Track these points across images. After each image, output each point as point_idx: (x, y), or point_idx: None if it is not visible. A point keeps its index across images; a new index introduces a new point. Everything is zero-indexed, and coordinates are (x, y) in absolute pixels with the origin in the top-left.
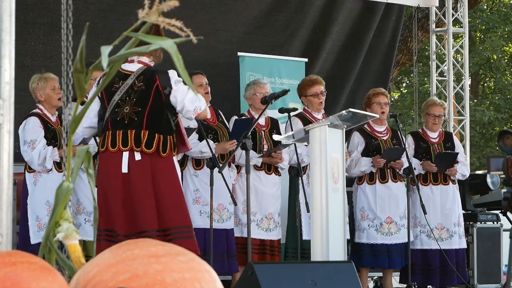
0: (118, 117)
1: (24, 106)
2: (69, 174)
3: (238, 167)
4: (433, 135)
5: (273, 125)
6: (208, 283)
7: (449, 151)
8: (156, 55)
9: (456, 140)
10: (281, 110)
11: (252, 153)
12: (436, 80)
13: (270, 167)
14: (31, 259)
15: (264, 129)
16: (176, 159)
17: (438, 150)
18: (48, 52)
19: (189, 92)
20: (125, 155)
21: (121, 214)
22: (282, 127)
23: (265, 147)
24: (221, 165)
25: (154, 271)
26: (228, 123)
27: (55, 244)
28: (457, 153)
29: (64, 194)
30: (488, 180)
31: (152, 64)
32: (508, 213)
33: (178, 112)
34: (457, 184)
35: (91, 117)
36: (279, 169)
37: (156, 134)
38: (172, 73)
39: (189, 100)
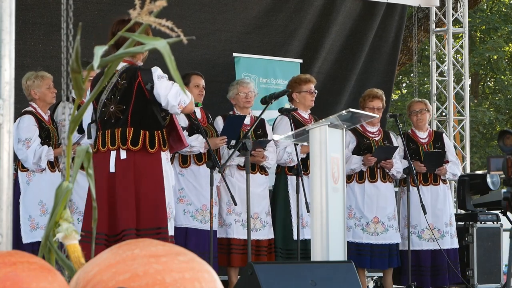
0: (105, 116)
1: (24, 106)
2: (69, 174)
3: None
4: (423, 135)
5: (259, 124)
6: (208, 283)
7: (437, 151)
8: (141, 53)
9: (446, 139)
10: (281, 110)
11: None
12: (436, 80)
13: (254, 167)
14: (31, 259)
15: (248, 128)
16: (166, 155)
17: (427, 150)
18: (48, 52)
19: (173, 87)
20: (113, 154)
21: (105, 214)
22: (269, 127)
23: None
24: (220, 165)
25: (154, 271)
26: (214, 123)
27: (55, 244)
28: (445, 152)
29: (64, 194)
30: (488, 180)
31: (138, 63)
32: (508, 213)
33: (164, 107)
34: (448, 184)
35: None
36: (266, 168)
37: (142, 131)
38: (154, 69)
39: (172, 95)
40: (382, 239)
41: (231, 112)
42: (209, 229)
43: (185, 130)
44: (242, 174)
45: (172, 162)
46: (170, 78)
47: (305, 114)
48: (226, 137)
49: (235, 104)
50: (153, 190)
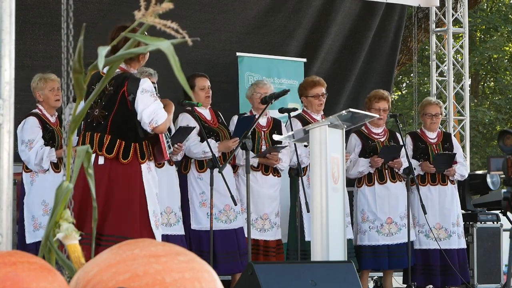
0: (89, 119)
1: (24, 106)
2: (69, 174)
3: (236, 167)
4: (432, 136)
5: (275, 126)
6: (208, 283)
7: (447, 152)
8: (137, 61)
9: (454, 140)
10: (281, 110)
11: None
12: (436, 80)
13: (267, 168)
14: (31, 259)
15: (264, 129)
16: (147, 165)
17: (436, 151)
18: (48, 52)
19: (152, 104)
20: (92, 157)
21: (77, 215)
22: (285, 128)
23: (263, 148)
24: (221, 165)
25: (154, 271)
26: (228, 124)
27: (55, 244)
28: (455, 154)
29: (64, 194)
30: (488, 180)
31: (131, 70)
32: (508, 213)
33: (138, 120)
34: (456, 184)
35: None
36: (279, 170)
37: (118, 140)
38: (143, 81)
39: (147, 112)
40: (397, 239)
41: (248, 113)
42: (235, 228)
43: (190, 133)
44: (255, 175)
45: (189, 168)
46: (171, 80)
47: (316, 116)
48: (238, 139)
49: (252, 103)
50: (124, 199)
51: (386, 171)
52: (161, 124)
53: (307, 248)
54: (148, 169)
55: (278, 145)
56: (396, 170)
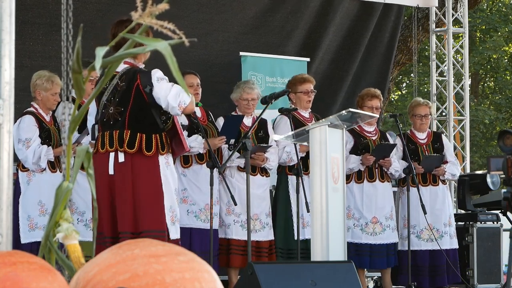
0: (104, 118)
1: (24, 106)
2: (69, 174)
3: (223, 168)
4: (421, 136)
5: (261, 125)
6: (208, 283)
7: (433, 154)
8: (143, 55)
9: (445, 140)
10: (281, 110)
11: (235, 153)
12: (436, 80)
13: (255, 168)
14: (31, 259)
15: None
16: (165, 159)
17: (426, 151)
18: (48, 52)
19: (172, 88)
20: (111, 156)
21: (106, 215)
22: (271, 128)
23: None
24: (221, 165)
25: (154, 271)
26: (216, 123)
27: (55, 244)
28: (442, 156)
29: (64, 194)
30: (488, 180)
31: (139, 64)
32: (508, 213)
33: (164, 109)
34: (447, 185)
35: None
36: (267, 169)
37: (138, 134)
38: (154, 72)
39: (172, 96)
40: (380, 239)
41: (233, 113)
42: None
43: (185, 130)
44: (242, 175)
45: (173, 164)
46: (171, 80)
47: (305, 113)
48: (225, 137)
49: (237, 105)
50: (150, 194)
51: (376, 169)
52: (189, 103)
53: (293, 247)
54: (166, 163)
55: (263, 145)
56: (385, 170)
